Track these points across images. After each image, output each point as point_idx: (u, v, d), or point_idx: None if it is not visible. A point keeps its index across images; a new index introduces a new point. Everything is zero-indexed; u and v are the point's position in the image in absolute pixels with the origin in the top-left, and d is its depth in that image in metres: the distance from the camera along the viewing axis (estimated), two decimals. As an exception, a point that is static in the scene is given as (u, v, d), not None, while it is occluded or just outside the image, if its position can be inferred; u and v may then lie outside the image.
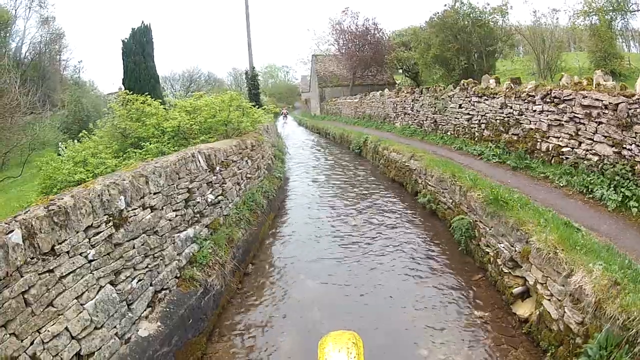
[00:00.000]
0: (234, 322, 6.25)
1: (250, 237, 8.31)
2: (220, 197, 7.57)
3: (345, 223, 10.52)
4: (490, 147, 11.78)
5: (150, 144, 9.11)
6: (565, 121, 8.68)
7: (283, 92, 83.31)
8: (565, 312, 4.74)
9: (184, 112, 10.65)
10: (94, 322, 3.99)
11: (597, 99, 7.70)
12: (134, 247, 4.79)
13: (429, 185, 10.95)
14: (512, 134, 10.88)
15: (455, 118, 14.60)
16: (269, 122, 18.59)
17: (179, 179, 6.02)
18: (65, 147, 10.01)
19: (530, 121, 10.07)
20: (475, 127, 13.13)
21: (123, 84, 22.15)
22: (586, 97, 7.99)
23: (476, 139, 13.00)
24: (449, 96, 15.16)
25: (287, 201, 13.31)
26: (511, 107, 10.96)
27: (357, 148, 21.04)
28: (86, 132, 10.70)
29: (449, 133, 15.22)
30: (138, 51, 22.51)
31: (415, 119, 18.85)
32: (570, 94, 8.47)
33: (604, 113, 7.55)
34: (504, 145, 11.13)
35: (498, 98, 11.66)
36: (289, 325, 6.11)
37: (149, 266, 5.07)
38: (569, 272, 4.79)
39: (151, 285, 5.09)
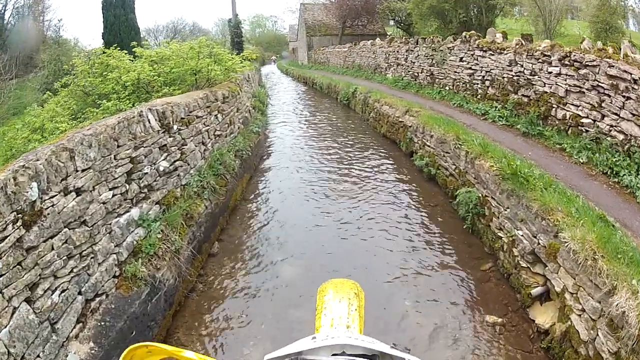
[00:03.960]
0: (194, 321, 5.11)
1: (216, 208, 7.03)
2: (178, 163, 6.19)
3: (331, 186, 9.39)
4: (496, 107, 10.50)
5: (107, 101, 7.71)
6: (586, 89, 7.49)
7: (271, 42, 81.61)
8: (598, 335, 3.77)
9: (149, 62, 9.07)
10: (12, 354, 3.00)
11: (625, 71, 6.59)
12: (52, 249, 3.53)
13: (427, 145, 9.72)
14: (522, 95, 9.59)
15: (455, 72, 13.16)
16: (250, 71, 16.95)
17: (119, 147, 4.64)
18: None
19: (544, 83, 8.80)
20: (478, 84, 11.76)
21: (103, 38, 20.83)
22: (613, 66, 6.83)
23: (479, 96, 11.67)
24: (448, 48, 13.65)
25: (265, 159, 12.04)
26: (522, 66, 9.62)
27: (345, 99, 19.64)
28: (50, 93, 9.47)
29: (447, 88, 13.82)
30: (118, 3, 21.15)
31: (409, 71, 17.32)
32: (594, 60, 7.27)
33: (633, 88, 6.44)
34: (512, 106, 9.86)
35: (506, 54, 10.27)
36: (261, 322, 5.03)
37: (75, 270, 3.82)
38: (610, 288, 3.71)
39: (80, 293, 3.87)
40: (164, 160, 5.69)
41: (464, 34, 12.94)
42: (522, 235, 5.41)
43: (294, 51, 58.78)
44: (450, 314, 5.14)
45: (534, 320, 4.90)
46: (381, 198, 8.62)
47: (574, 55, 7.84)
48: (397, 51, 18.69)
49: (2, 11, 33.62)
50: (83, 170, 4.06)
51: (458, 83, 13.04)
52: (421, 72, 16.00)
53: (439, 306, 5.27)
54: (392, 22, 45.22)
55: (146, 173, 5.16)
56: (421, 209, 8.10)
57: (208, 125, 7.82)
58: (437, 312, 5.17)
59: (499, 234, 6.08)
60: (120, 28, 21.06)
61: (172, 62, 8.91)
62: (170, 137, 5.98)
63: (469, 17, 24.16)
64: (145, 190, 5.15)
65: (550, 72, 8.57)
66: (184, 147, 6.51)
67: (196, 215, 6.07)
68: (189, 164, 6.62)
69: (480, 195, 6.81)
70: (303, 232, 7.34)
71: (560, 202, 5.07)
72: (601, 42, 8.89)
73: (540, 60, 8.96)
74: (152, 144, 5.36)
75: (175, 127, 6.15)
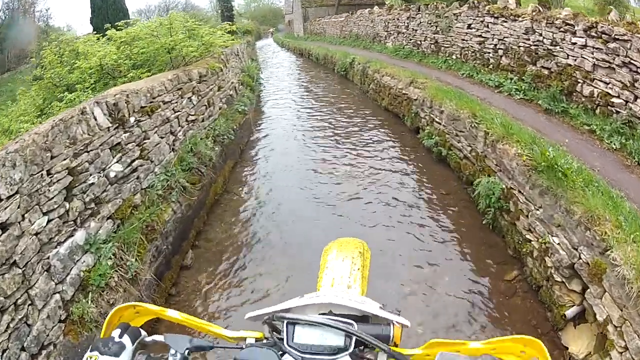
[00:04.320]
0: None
1: (188, 210, 5.98)
2: (137, 163, 5.15)
3: (326, 172, 8.41)
4: (512, 78, 9.38)
5: (69, 92, 6.83)
6: (617, 65, 6.48)
7: (267, 15, 79.58)
8: (637, 379, 2.94)
9: (118, 45, 8.02)
10: None
11: (660, 50, 5.61)
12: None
13: (436, 122, 8.62)
14: (542, 66, 8.49)
15: (463, 40, 11.95)
16: (240, 44, 15.74)
17: (53, 158, 3.62)
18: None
19: (567, 55, 7.72)
20: (489, 53, 10.61)
21: (91, 23, 19.93)
22: (647, 43, 5.87)
23: (491, 66, 10.53)
24: (454, 14, 12.42)
25: (253, 142, 10.95)
26: (540, 34, 8.50)
27: (343, 70, 18.49)
28: (24, 89, 8.72)
29: (454, 57, 12.64)
30: (105, -16, 20.39)
31: (410, 39, 16.10)
32: (625, 34, 6.27)
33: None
34: (530, 79, 8.76)
35: (522, 21, 9.13)
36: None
37: (12, 325, 2.97)
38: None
39: (23, 349, 3.05)
40: (116, 163, 4.64)
41: (470, -1, 11.73)
42: (558, 244, 4.44)
43: (289, 23, 56.82)
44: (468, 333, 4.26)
45: (567, 348, 4.02)
46: (385, 185, 7.64)
47: (601, 26, 6.76)
48: (397, 19, 17.38)
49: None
50: (8, 198, 3.09)
51: (466, 52, 11.86)
52: (424, 40, 14.76)
53: (458, 333, 4.37)
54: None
55: (92, 184, 4.15)
56: (431, 198, 7.13)
57: (179, 111, 6.71)
58: (455, 328, 4.33)
59: (528, 236, 5.10)
60: (108, 11, 20.11)
61: (142, 41, 7.80)
62: (125, 132, 4.92)
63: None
64: (93, 205, 4.14)
65: (575, 44, 7.48)
66: (146, 141, 5.45)
67: (160, 226, 5.02)
68: (152, 162, 5.57)
69: (504, 187, 5.81)
70: (293, 229, 6.41)
71: (606, 207, 4.09)
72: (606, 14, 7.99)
73: (562, 30, 7.85)
74: (99, 145, 4.32)
75: (132, 119, 5.08)
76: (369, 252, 2.68)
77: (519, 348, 1.33)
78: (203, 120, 7.96)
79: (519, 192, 5.41)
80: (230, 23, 22.99)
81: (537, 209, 4.94)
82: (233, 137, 8.85)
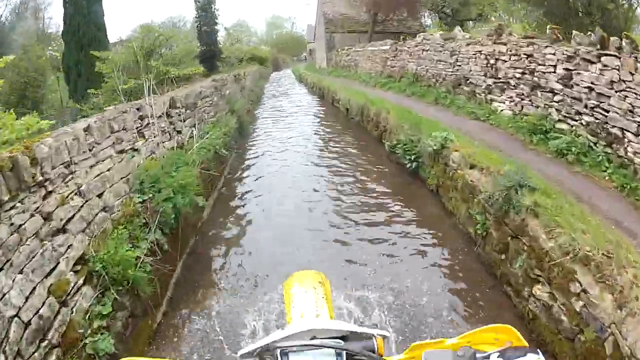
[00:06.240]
0: None
1: None
2: None
3: None
4: None
5: None
6: None
7: (288, 43, 78.08)
8: None
9: None
10: None
11: None
12: None
13: None
14: None
15: None
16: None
17: None
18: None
19: None
20: None
21: (62, 37, 16.50)
22: None
23: None
24: None
25: None
26: None
27: (411, 158, 8.61)
28: None
29: None
30: (79, -7, 16.08)
31: (572, 106, 6.97)
32: None
33: None
34: None
35: None
36: None
37: None
38: None
39: None
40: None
41: None
42: None
43: (311, 53, 49.79)
44: None
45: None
46: None
47: None
48: (527, 55, 8.29)
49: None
50: None
51: None
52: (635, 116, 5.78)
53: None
54: (428, 22, 35.91)
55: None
56: None
57: None
58: None
59: None
60: (79, 24, 16.10)
61: None
62: None
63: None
64: None
65: None
66: None
67: None
68: None
69: None
70: None
71: None
72: None
73: None
74: None
75: None
76: (328, 281, 2.69)
77: (492, 336, 1.45)
78: None
79: None
80: (206, 45, 15.24)
81: None
82: None
